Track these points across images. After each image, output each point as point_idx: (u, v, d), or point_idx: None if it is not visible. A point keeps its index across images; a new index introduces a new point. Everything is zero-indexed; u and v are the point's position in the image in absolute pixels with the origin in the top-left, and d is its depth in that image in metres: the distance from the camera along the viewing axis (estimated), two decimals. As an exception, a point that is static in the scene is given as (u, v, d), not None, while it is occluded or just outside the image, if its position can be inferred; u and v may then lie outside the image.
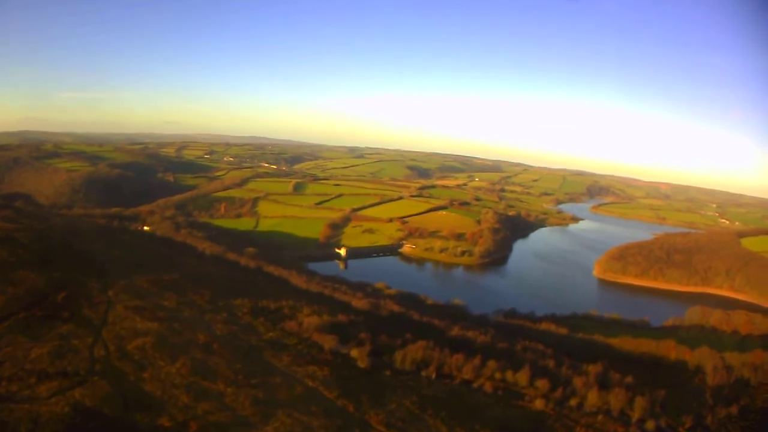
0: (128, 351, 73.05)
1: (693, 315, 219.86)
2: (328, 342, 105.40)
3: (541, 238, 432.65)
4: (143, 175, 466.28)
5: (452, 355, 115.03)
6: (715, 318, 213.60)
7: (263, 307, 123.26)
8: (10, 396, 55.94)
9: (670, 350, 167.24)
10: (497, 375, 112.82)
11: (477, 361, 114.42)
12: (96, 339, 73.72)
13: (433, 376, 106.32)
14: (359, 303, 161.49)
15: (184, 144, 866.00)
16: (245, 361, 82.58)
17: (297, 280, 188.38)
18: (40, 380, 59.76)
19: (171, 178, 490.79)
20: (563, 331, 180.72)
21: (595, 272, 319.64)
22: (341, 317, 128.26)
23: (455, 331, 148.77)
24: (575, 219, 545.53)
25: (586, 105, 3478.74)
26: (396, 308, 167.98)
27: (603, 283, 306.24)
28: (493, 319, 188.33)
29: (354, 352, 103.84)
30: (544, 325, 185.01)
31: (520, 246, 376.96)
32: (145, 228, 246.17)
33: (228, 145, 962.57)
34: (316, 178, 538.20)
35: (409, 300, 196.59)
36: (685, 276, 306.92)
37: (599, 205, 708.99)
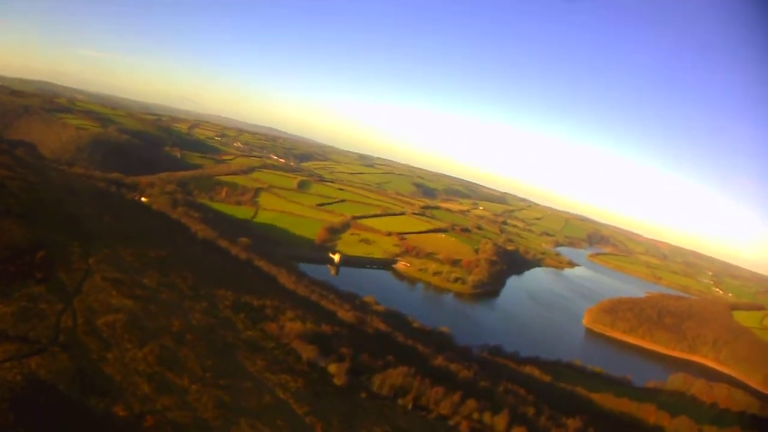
0: (97, 326, 68.92)
1: (675, 381, 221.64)
2: (308, 352, 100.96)
3: (535, 277, 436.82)
4: (151, 146, 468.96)
5: (432, 387, 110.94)
6: (696, 387, 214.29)
7: (246, 302, 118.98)
8: (-41, 353, 52.18)
9: (650, 414, 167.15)
10: (475, 415, 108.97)
11: (457, 397, 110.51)
12: (66, 307, 69.53)
13: (410, 406, 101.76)
14: (345, 315, 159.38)
15: (197, 122, 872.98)
16: (217, 359, 78.53)
17: (285, 280, 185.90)
18: (-3, 341, 55.84)
19: (178, 154, 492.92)
20: (547, 378, 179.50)
21: (585, 321, 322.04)
22: (325, 327, 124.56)
23: (439, 360, 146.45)
24: (572, 264, 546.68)
25: (599, 152, 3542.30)
26: (382, 326, 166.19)
27: (590, 333, 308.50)
28: (477, 354, 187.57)
29: (332, 368, 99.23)
30: (528, 369, 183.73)
31: (513, 282, 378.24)
32: (143, 199, 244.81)
33: (240, 131, 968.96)
34: (321, 179, 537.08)
35: (396, 319, 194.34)
36: (672, 340, 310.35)
37: (597, 254, 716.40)
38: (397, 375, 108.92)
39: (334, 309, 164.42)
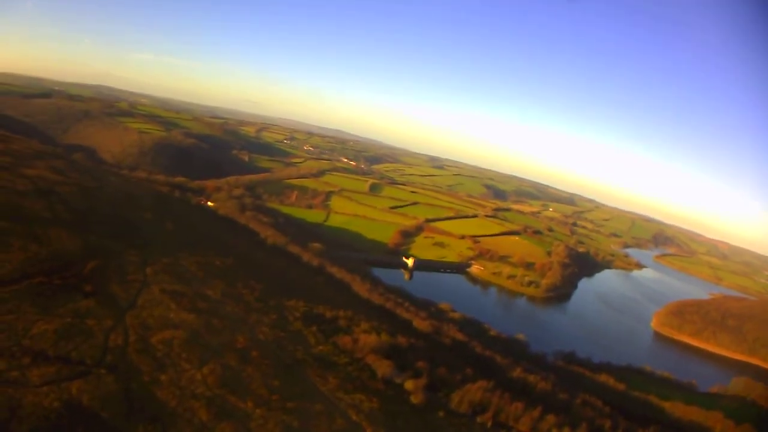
0: (151, 344, 64.67)
1: (737, 385, 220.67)
2: (383, 367, 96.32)
3: (605, 279, 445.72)
4: (218, 150, 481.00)
5: (512, 402, 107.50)
6: (757, 393, 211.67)
7: (318, 314, 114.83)
8: (-6, 375, 48.10)
9: (717, 423, 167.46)
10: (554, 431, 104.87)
11: (536, 412, 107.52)
12: (116, 323, 65.45)
13: (489, 424, 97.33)
14: (421, 324, 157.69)
15: (265, 125, 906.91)
16: (285, 378, 73.54)
17: (359, 287, 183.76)
18: (35, 362, 51.51)
19: (246, 157, 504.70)
20: (621, 386, 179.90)
21: (653, 324, 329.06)
22: (401, 339, 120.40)
23: (517, 372, 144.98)
24: (639, 266, 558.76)
25: (665, 153, 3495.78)
26: (459, 336, 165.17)
27: (658, 336, 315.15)
28: (552, 362, 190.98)
29: (409, 384, 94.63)
30: (602, 377, 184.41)
31: (584, 284, 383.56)
32: (209, 203, 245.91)
33: (310, 134, 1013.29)
34: (393, 182, 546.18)
35: (473, 328, 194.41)
36: (734, 342, 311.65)
37: (663, 255, 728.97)
38: (476, 390, 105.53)
39: (409, 318, 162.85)
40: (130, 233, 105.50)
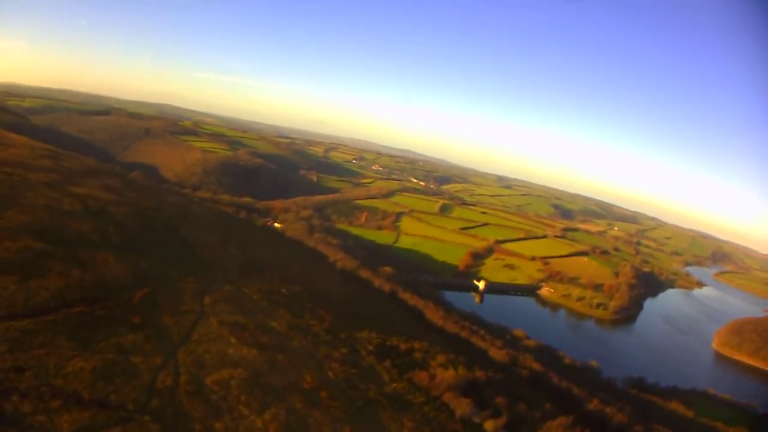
0: (205, 385, 58.56)
1: None
2: (462, 406, 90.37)
3: (669, 299, 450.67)
4: (285, 170, 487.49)
5: None
6: None
7: (392, 346, 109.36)
8: (17, 418, 42.19)
9: None
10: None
11: None
12: (167, 361, 59.57)
13: None
14: (497, 354, 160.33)
15: (333, 146, 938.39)
16: (356, 422, 66.94)
17: (433, 314, 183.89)
18: (66, 405, 45.49)
19: (314, 178, 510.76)
20: (690, 413, 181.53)
21: (714, 344, 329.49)
22: (478, 373, 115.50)
23: (594, 404, 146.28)
24: (700, 284, 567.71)
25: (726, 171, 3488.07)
26: (535, 366, 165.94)
27: (719, 356, 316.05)
28: (624, 389, 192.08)
29: (488, 424, 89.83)
30: (673, 404, 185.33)
31: (649, 305, 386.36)
32: (276, 225, 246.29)
33: (378, 154, 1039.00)
34: (463, 202, 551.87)
35: (548, 356, 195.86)
36: None
37: (721, 273, 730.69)
38: (556, 428, 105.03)
39: (485, 347, 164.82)
40: (188, 258, 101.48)
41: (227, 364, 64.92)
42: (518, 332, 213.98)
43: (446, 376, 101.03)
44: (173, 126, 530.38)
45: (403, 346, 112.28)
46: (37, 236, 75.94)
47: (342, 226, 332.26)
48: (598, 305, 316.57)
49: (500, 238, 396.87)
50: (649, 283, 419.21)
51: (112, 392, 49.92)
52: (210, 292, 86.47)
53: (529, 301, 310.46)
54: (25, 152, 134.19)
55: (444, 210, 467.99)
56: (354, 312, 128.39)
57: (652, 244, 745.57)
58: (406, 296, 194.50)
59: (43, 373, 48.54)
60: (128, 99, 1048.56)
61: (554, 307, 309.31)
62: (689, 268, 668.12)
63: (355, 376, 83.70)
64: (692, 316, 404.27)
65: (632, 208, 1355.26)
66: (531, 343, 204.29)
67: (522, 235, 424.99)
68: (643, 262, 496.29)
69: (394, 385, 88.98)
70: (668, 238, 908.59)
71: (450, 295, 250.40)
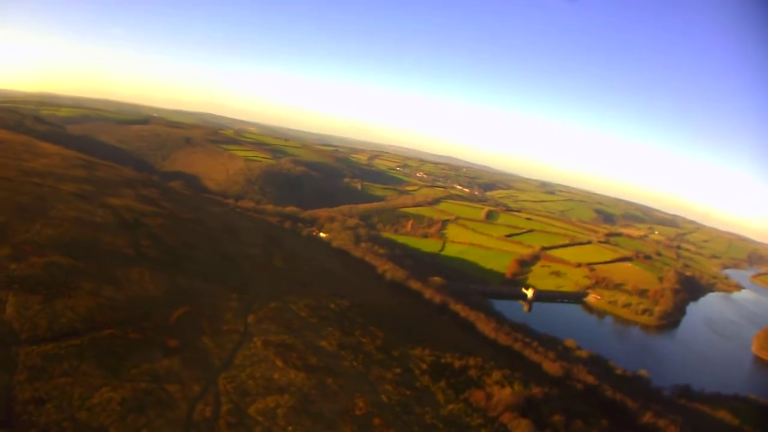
0: (248, 415, 52.89)
1: None
2: (521, 428, 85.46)
3: (709, 303, 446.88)
4: (329, 178, 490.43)
5: None
6: None
7: (446, 363, 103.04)
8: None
9: None
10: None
11: None
12: (206, 389, 54.01)
13: None
14: (551, 367, 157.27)
15: (377, 153, 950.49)
16: (412, 452, 61.20)
17: (484, 326, 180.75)
18: (90, 444, 40.48)
19: (359, 186, 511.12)
20: (736, 421, 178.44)
21: (754, 348, 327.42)
22: (535, 389, 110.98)
23: (647, 417, 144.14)
24: (739, 287, 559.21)
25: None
26: (589, 378, 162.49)
27: (758, 360, 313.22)
28: (672, 398, 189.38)
29: None
30: (721, 413, 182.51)
31: (691, 309, 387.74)
32: (321, 235, 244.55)
33: (422, 161, 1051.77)
34: (508, 209, 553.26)
35: (600, 366, 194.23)
36: None
37: (758, 275, 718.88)
38: None
39: (538, 359, 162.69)
40: (230, 272, 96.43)
41: (273, 390, 59.31)
42: (569, 342, 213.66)
43: (503, 394, 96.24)
44: (214, 135, 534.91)
45: (457, 364, 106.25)
46: (65, 251, 71.53)
47: (388, 234, 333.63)
48: (644, 311, 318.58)
49: (546, 244, 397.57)
50: (691, 288, 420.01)
51: (143, 426, 44.39)
52: (254, 309, 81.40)
53: (575, 309, 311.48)
54: (57, 162, 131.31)
55: (490, 217, 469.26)
56: (406, 326, 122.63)
57: (692, 248, 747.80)
58: (457, 308, 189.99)
59: (67, 405, 43.09)
60: (167, 108, 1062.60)
61: (600, 313, 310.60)
62: (727, 271, 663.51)
63: (409, 399, 77.84)
64: (732, 320, 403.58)
65: (671, 212, 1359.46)
66: (583, 353, 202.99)
67: (567, 241, 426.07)
68: (684, 266, 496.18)
69: (451, 406, 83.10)
70: (706, 241, 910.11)
71: (498, 304, 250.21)
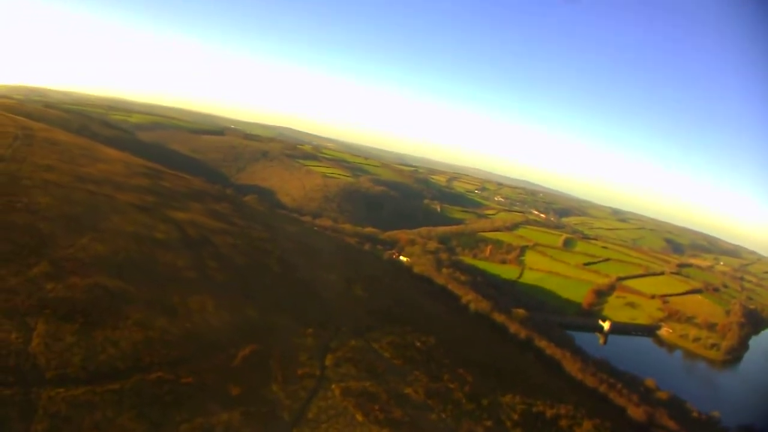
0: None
1: None
2: None
3: None
4: (409, 199, 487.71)
5: None
6: None
7: (538, 413, 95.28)
8: None
9: None
10: None
11: None
12: (272, 453, 44.50)
13: None
14: (635, 412, 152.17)
15: (456, 175, 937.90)
16: None
17: (571, 366, 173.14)
18: None
19: (438, 208, 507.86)
20: None
21: None
22: None
23: None
24: None
25: None
26: (671, 424, 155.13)
27: None
28: None
29: None
30: None
31: (754, 343, 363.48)
32: (401, 258, 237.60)
33: (500, 184, 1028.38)
34: (585, 236, 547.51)
35: (679, 410, 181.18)
36: None
37: None
38: None
39: (623, 403, 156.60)
40: (306, 302, 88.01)
41: (350, 452, 49.63)
42: (649, 382, 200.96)
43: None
44: (292, 149, 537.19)
45: (549, 413, 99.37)
46: (114, 271, 63.96)
47: (466, 258, 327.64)
48: (712, 345, 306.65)
49: (621, 274, 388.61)
50: (755, 321, 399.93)
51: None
52: (333, 348, 72.93)
53: (646, 341, 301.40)
54: (118, 168, 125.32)
55: (567, 244, 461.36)
56: (495, 368, 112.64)
57: (754, 279, 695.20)
58: (542, 344, 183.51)
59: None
60: (244, 120, 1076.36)
61: (671, 347, 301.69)
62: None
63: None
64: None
65: (733, 241, 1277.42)
66: (663, 395, 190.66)
67: (641, 272, 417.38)
68: (747, 299, 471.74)
69: (544, 464, 74.75)
70: (766, 272, 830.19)
71: (574, 335, 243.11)
